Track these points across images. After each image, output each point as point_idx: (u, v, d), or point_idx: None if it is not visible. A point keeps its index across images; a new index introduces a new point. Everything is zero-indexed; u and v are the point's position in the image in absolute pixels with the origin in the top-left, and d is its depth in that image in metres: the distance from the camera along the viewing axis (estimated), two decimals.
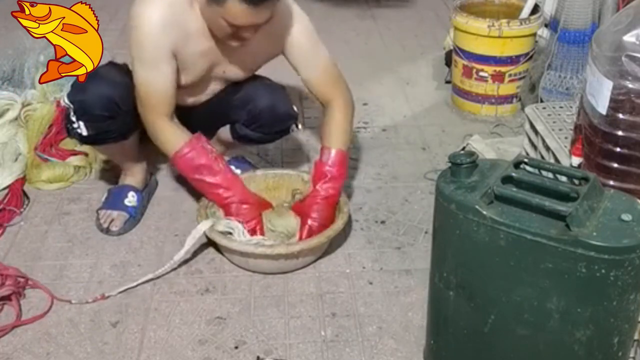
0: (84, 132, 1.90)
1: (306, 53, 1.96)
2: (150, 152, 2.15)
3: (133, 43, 1.81)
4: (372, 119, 2.69)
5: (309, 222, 1.91)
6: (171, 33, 1.80)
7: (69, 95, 1.88)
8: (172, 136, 1.88)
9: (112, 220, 2.05)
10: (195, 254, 1.95)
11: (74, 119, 1.88)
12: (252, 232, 1.90)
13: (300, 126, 2.07)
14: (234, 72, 2.00)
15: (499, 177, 1.32)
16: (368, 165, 2.38)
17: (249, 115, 1.99)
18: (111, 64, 2.00)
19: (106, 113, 1.86)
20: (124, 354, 1.64)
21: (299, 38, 1.94)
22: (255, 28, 1.77)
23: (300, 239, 1.91)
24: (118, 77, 1.92)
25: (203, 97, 2.05)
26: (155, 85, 1.83)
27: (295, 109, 2.05)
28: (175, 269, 1.89)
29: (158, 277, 1.86)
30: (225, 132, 2.11)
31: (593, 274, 1.20)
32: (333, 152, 1.95)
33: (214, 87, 2.04)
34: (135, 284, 1.83)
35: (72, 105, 1.87)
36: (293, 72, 2.02)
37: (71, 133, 1.94)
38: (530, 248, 1.24)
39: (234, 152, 2.30)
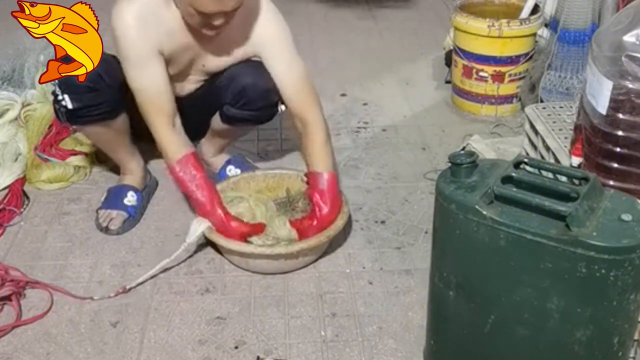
0: (70, 105, 1.91)
1: (284, 57, 1.96)
2: (149, 153, 2.16)
3: (119, 52, 1.84)
4: (372, 119, 2.69)
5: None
6: (151, 32, 1.82)
7: None
8: (169, 145, 1.88)
9: (111, 219, 2.05)
10: (195, 253, 1.95)
11: (59, 92, 1.91)
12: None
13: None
14: (213, 66, 2.01)
15: (499, 177, 1.32)
16: (368, 165, 2.38)
17: (233, 94, 1.99)
18: None
19: (90, 84, 1.87)
20: (124, 354, 1.64)
21: (277, 40, 1.95)
22: (224, 16, 1.78)
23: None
24: (103, 54, 1.93)
25: (188, 86, 2.07)
26: (150, 84, 1.85)
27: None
28: (178, 264, 1.90)
29: (175, 264, 1.88)
30: (217, 122, 2.10)
31: (593, 274, 1.20)
32: (325, 176, 1.92)
33: (196, 78, 2.06)
34: (154, 270, 1.84)
35: (56, 80, 1.88)
36: None
37: (59, 113, 1.96)
38: (530, 248, 1.24)
39: (233, 152, 2.30)
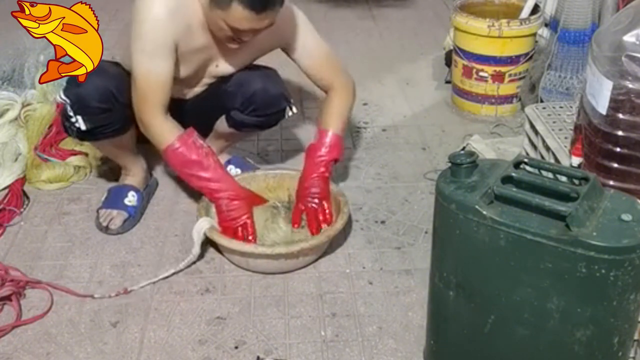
0: (83, 127, 1.89)
1: (303, 44, 2.01)
2: (150, 153, 2.16)
3: (137, 35, 1.80)
4: (372, 119, 2.69)
5: (310, 201, 1.97)
6: (175, 24, 1.80)
7: (65, 91, 1.88)
8: (164, 129, 1.87)
9: (111, 219, 2.05)
10: None
11: (71, 113, 1.88)
12: (244, 227, 1.89)
13: (295, 109, 2.06)
14: (226, 68, 2.01)
15: (499, 177, 1.32)
16: (368, 165, 2.38)
17: (243, 99, 1.98)
18: (104, 60, 2.01)
19: (103, 105, 1.86)
20: (124, 354, 1.64)
21: (296, 32, 1.99)
22: (255, 32, 1.79)
23: (297, 221, 1.98)
24: (112, 69, 1.92)
25: (195, 89, 2.06)
26: (155, 74, 1.82)
27: (288, 92, 2.06)
28: (177, 264, 1.90)
29: (179, 271, 1.88)
30: (222, 125, 2.10)
31: (593, 274, 1.20)
32: (328, 134, 1.99)
33: (206, 81, 2.05)
34: (156, 279, 1.84)
35: (68, 100, 1.87)
36: (292, 69, 2.02)
37: (69, 130, 1.94)
38: (530, 248, 1.24)
39: (233, 152, 2.30)
